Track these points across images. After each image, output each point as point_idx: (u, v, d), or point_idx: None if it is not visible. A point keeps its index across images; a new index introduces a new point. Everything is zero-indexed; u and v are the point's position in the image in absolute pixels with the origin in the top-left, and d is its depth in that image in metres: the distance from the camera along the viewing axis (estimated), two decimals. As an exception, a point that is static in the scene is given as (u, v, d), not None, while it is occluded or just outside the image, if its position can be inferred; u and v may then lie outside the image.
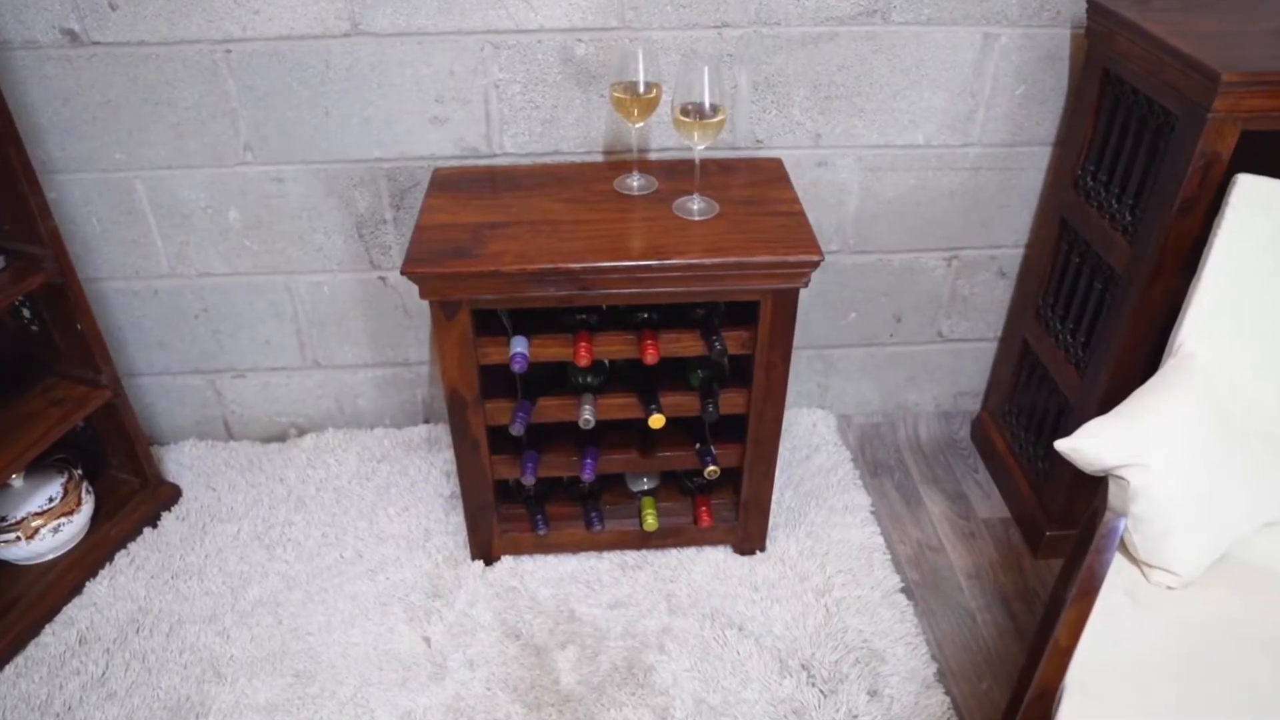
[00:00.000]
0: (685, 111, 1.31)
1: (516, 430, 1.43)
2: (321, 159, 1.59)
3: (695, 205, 1.41)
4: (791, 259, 1.30)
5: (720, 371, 1.52)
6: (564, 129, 1.59)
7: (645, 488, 1.69)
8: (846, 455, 1.92)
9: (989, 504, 1.87)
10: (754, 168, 1.57)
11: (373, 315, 1.79)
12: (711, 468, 1.51)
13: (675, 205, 1.42)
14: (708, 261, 1.29)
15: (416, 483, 1.84)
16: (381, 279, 1.75)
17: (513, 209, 1.43)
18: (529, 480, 1.52)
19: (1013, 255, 1.81)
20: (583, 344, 1.37)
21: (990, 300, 1.88)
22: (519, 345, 1.38)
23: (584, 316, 1.43)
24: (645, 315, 1.44)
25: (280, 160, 1.59)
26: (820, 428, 1.98)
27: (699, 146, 1.35)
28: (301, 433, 1.95)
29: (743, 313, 1.46)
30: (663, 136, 1.61)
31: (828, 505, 1.80)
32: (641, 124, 1.41)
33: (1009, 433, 1.89)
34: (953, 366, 1.98)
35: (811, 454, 1.92)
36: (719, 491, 1.69)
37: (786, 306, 1.37)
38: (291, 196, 1.63)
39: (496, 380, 1.50)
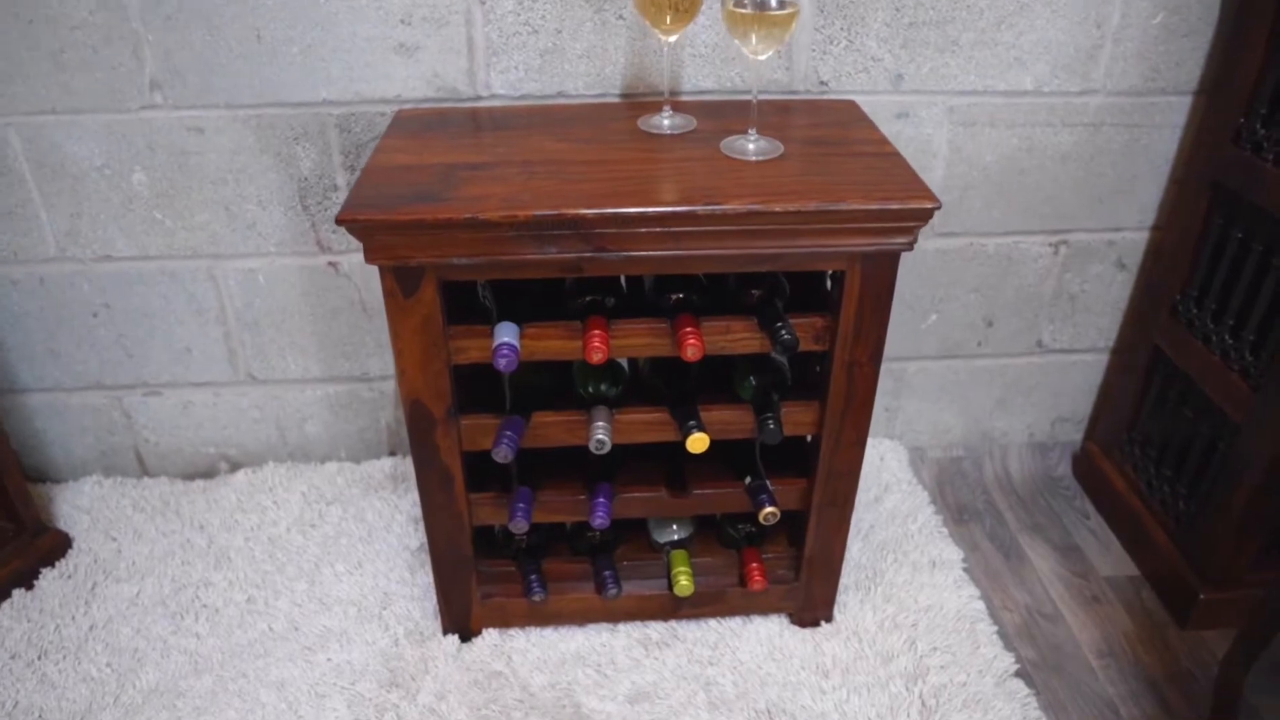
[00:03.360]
0: (740, 3, 0.94)
1: (502, 455, 1.03)
2: (252, 101, 1.22)
3: (751, 143, 1.03)
4: (894, 205, 0.92)
5: (780, 379, 1.13)
6: (570, 62, 1.21)
7: (675, 538, 1.28)
8: (924, 497, 1.51)
9: (1110, 559, 1.45)
10: (820, 109, 1.19)
11: (322, 314, 1.40)
12: (769, 509, 1.11)
13: (724, 144, 1.04)
14: (777, 209, 0.91)
15: (375, 531, 1.43)
16: (332, 265, 1.36)
17: (499, 149, 1.04)
18: (520, 527, 1.12)
19: (1135, 240, 1.43)
20: (595, 333, 0.97)
21: (1104, 299, 1.49)
22: (506, 334, 0.99)
23: (596, 298, 1.04)
24: (679, 297, 1.05)
25: (199, 103, 1.22)
26: (890, 462, 1.58)
27: (760, 55, 0.97)
28: (234, 467, 1.54)
29: (808, 297, 1.08)
30: (698, 74, 1.23)
31: (909, 561, 1.38)
32: (675, 36, 1.04)
33: (1131, 467, 1.48)
34: (1053, 386, 1.58)
35: (882, 495, 1.51)
36: (771, 543, 1.28)
37: (882, 280, 0.98)
38: (214, 153, 1.25)
39: (476, 388, 1.10)
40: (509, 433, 1.04)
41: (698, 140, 1.07)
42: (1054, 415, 1.62)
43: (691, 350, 0.97)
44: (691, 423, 1.05)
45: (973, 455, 1.64)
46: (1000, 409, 1.60)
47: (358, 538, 1.42)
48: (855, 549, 1.40)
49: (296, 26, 1.17)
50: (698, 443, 1.04)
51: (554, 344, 1.02)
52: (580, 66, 1.22)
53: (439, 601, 1.23)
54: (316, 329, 1.41)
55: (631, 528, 1.29)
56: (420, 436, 1.06)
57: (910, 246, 0.96)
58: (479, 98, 1.24)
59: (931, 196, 0.92)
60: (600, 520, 1.12)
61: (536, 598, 1.21)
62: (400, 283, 0.95)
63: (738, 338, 1.03)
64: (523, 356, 1.01)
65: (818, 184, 0.95)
